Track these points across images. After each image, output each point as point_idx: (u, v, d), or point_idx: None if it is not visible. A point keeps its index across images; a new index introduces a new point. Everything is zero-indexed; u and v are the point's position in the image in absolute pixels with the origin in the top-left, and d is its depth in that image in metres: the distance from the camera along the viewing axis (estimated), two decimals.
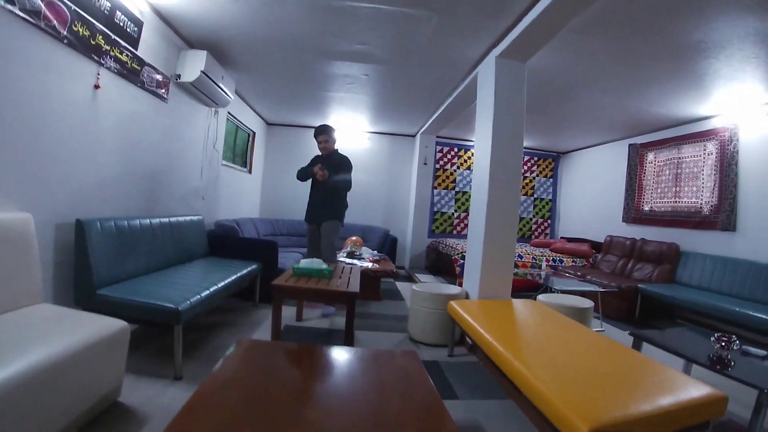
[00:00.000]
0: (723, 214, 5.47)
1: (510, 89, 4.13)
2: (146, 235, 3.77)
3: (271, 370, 2.08)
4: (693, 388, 2.02)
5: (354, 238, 6.89)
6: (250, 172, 8.01)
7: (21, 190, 2.66)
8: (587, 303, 4.18)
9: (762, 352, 2.93)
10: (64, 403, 1.92)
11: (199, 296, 3.15)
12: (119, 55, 3.49)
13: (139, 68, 3.79)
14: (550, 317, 3.36)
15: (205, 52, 4.49)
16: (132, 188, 3.89)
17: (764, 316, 4.09)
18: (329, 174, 4.71)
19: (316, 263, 3.68)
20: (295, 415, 1.61)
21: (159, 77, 4.15)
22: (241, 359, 2.11)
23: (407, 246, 8.89)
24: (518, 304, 3.74)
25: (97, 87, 3.27)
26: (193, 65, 4.49)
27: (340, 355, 2.34)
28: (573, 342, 2.79)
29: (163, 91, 4.28)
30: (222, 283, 3.65)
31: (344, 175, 4.84)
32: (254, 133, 8.02)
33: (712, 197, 5.69)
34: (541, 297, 4.37)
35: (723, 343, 2.81)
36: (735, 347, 2.81)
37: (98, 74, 3.27)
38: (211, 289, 3.40)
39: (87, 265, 2.98)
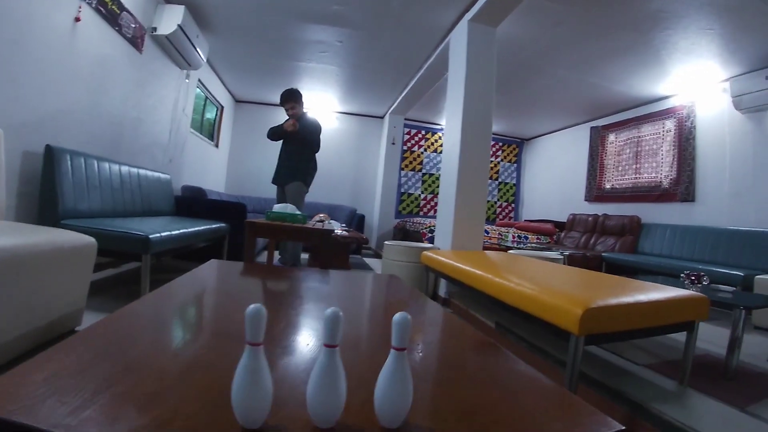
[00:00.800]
0: (682, 186, 5.68)
1: (482, 53, 4.21)
2: (114, 179, 3.66)
3: (246, 280, 2.04)
4: (675, 291, 2.12)
5: (322, 215, 6.84)
6: (217, 146, 7.88)
7: None
8: (558, 256, 4.26)
9: (730, 288, 3.03)
10: (20, 306, 1.78)
11: (169, 232, 3.09)
12: None
13: (118, 12, 3.69)
14: (524, 259, 3.42)
15: (182, 6, 4.44)
16: (100, 131, 3.76)
17: (726, 271, 4.27)
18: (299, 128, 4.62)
19: (290, 208, 3.61)
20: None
21: (136, 26, 4.05)
22: (209, 271, 2.04)
23: (374, 226, 8.91)
24: (492, 253, 3.80)
25: (77, 20, 3.17)
26: (170, 19, 4.42)
27: (327, 274, 2.29)
28: (551, 269, 2.85)
29: (139, 41, 4.18)
30: (192, 229, 3.58)
31: (313, 133, 4.79)
32: (223, 107, 7.92)
33: (671, 171, 5.90)
34: (512, 251, 4.43)
35: (693, 278, 2.89)
36: (705, 282, 2.90)
37: (80, 7, 3.17)
38: (181, 231, 3.34)
39: (53, 192, 2.87)
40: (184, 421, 0.65)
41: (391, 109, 8.21)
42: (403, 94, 7.19)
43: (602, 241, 6.47)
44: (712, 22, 3.97)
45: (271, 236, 3.54)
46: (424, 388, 0.91)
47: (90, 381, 0.74)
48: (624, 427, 0.76)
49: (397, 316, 0.69)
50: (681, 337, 2.19)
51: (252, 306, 0.66)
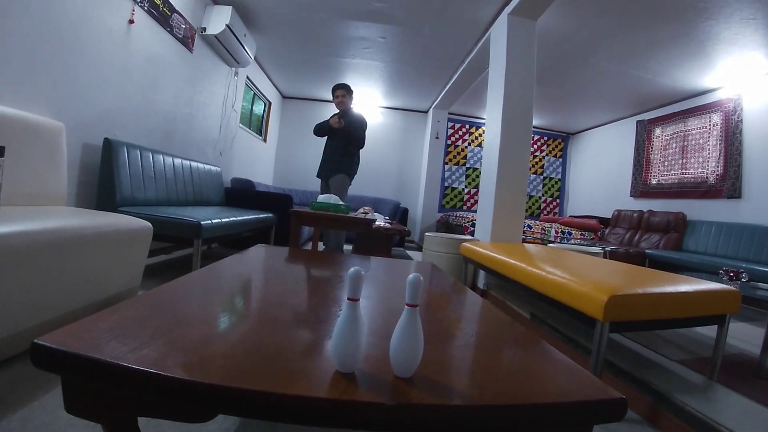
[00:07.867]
0: (728, 182, 5.54)
1: (521, 47, 4.23)
2: (168, 170, 3.89)
3: (291, 260, 2.17)
4: (705, 284, 2.10)
5: (366, 207, 6.97)
6: (265, 140, 8.17)
7: (56, 101, 2.78)
8: (597, 251, 4.25)
9: None
10: (83, 281, 1.95)
11: (219, 219, 3.28)
12: None
13: (169, 13, 3.92)
14: (562, 252, 3.44)
15: (230, 7, 4.65)
16: (154, 125, 4.01)
17: None
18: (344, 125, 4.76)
19: (334, 199, 3.74)
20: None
21: (186, 27, 4.29)
22: (256, 252, 2.18)
23: (417, 220, 8.99)
24: (530, 246, 3.83)
25: (131, 22, 3.40)
26: (219, 19, 4.65)
27: (366, 260, 2.39)
28: (585, 260, 2.88)
29: (189, 41, 4.41)
30: (241, 217, 3.77)
31: (358, 129, 4.90)
32: (270, 103, 8.20)
33: (718, 167, 5.76)
34: (551, 245, 4.45)
35: (731, 275, 2.85)
36: (743, 279, 2.85)
37: (133, 10, 3.40)
38: (231, 218, 3.53)
39: (111, 181, 3.09)
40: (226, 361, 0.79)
41: (435, 103, 8.27)
42: (446, 89, 7.24)
43: (647, 237, 6.37)
44: (754, 11, 3.88)
45: (314, 224, 3.68)
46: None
47: (147, 330, 0.88)
48: (623, 396, 0.82)
49: (411, 276, 0.79)
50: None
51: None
